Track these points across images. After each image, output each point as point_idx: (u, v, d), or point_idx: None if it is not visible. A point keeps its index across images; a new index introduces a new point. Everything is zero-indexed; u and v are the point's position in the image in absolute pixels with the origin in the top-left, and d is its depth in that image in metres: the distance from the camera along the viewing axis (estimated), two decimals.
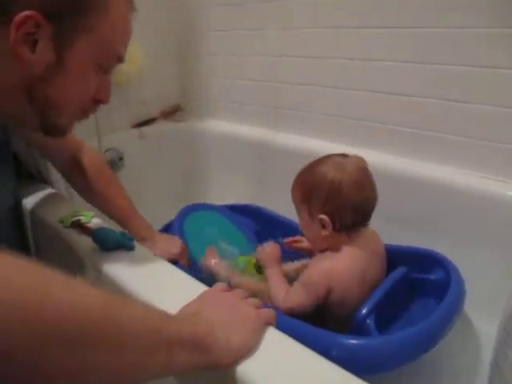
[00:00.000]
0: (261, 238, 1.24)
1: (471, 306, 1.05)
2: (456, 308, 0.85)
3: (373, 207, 0.90)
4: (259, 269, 1.06)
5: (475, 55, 1.09)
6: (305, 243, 1.09)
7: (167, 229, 1.20)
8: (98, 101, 0.70)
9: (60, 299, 0.37)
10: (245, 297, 0.59)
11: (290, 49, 1.50)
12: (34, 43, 0.57)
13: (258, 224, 1.34)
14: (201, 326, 0.49)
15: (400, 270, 0.92)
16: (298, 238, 1.13)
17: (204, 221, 1.25)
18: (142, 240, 0.92)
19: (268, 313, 0.57)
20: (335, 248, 0.89)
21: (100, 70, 0.65)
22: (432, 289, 0.96)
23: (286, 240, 1.13)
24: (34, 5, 0.55)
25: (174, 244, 0.98)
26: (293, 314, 0.87)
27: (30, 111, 0.64)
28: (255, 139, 1.64)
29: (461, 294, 0.88)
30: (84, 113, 0.70)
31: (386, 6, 1.21)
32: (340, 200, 0.86)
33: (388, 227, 0.98)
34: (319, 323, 0.83)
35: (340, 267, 0.86)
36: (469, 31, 1.08)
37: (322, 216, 0.87)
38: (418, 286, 0.97)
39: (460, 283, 0.89)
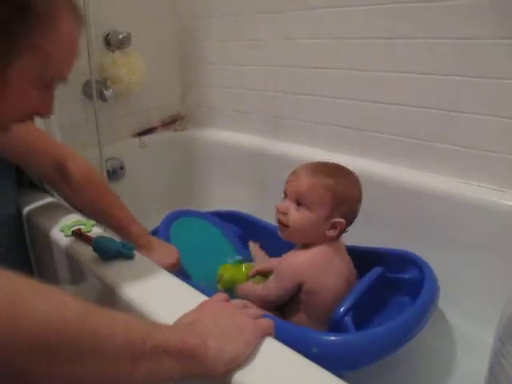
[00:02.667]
0: (245, 242, 1.29)
1: (466, 315, 1.07)
2: (429, 305, 0.89)
3: None
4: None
5: (472, 65, 1.10)
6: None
7: (152, 235, 1.20)
8: (38, 114, 0.68)
9: (35, 310, 0.37)
10: (244, 307, 0.60)
11: (290, 59, 1.51)
12: None
13: (242, 229, 1.36)
14: (192, 335, 0.49)
15: (376, 270, 0.96)
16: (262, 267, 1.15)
17: (189, 227, 1.26)
18: (140, 248, 0.92)
19: (266, 323, 0.57)
20: (314, 245, 0.95)
21: (43, 86, 0.64)
22: (407, 287, 1.01)
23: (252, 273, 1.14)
24: None
25: (170, 253, 0.99)
26: (266, 304, 0.96)
27: None
28: (255, 148, 1.65)
29: (434, 292, 0.92)
30: (18, 121, 0.68)
31: (385, 17, 1.22)
32: (356, 212, 0.97)
33: (380, 235, 1.00)
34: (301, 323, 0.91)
35: (312, 260, 0.93)
36: (467, 42, 1.09)
37: (342, 220, 0.93)
38: (394, 284, 1.02)
39: (433, 281, 0.94)
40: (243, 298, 0.97)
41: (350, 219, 0.95)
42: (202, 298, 0.66)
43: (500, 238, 1.07)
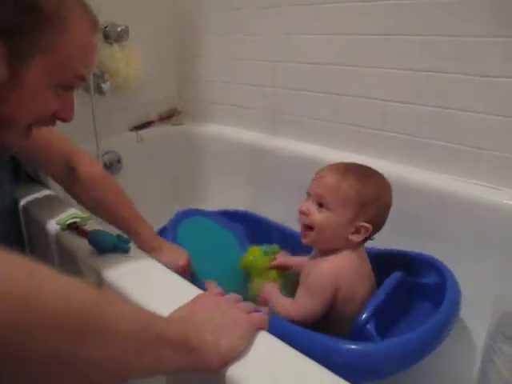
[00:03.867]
0: (252, 242, 1.26)
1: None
2: (454, 312, 0.85)
3: None
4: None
5: (471, 63, 1.10)
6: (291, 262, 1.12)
7: (160, 234, 1.20)
8: (59, 118, 0.70)
9: (48, 290, 0.37)
10: (237, 301, 0.60)
11: (288, 54, 1.51)
12: None
13: (250, 229, 1.35)
14: (190, 328, 0.49)
15: (396, 275, 0.93)
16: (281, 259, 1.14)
17: (197, 227, 1.25)
18: (150, 250, 0.91)
19: (259, 317, 0.57)
20: (340, 250, 0.91)
21: (60, 88, 0.65)
22: (427, 292, 0.96)
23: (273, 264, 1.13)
24: None
25: (180, 255, 0.98)
26: (306, 321, 0.88)
27: None
28: (252, 143, 1.65)
29: (457, 298, 0.88)
30: (38, 125, 0.69)
31: (384, 13, 1.22)
32: (384, 218, 0.93)
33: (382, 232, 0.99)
34: (323, 325, 0.85)
35: (344, 265, 0.89)
36: (464, 39, 1.10)
37: (367, 225, 0.89)
38: (414, 289, 0.98)
39: (456, 286, 0.90)
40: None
41: (377, 225, 0.91)
42: (197, 291, 0.66)
43: (494, 236, 1.08)
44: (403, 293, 0.94)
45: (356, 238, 0.89)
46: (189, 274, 0.99)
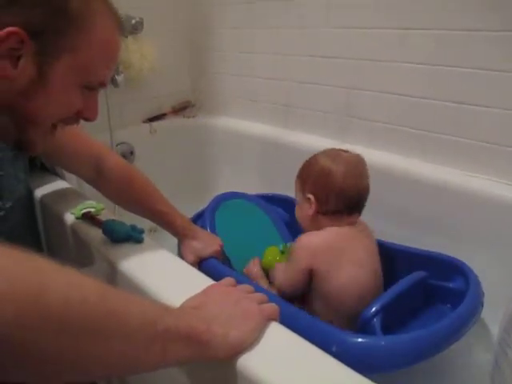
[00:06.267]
0: (290, 229, 1.27)
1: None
2: (467, 320, 0.82)
3: (359, 199, 0.96)
4: None
5: (486, 58, 1.09)
6: None
7: (198, 218, 1.22)
8: (83, 117, 0.71)
9: (55, 289, 0.38)
10: (250, 292, 0.60)
11: (302, 47, 1.50)
12: (17, 59, 0.58)
13: (289, 214, 1.33)
14: (199, 321, 0.49)
15: (417, 274, 0.92)
16: None
17: (236, 209, 1.26)
18: (185, 237, 1.01)
19: (271, 308, 0.57)
20: (324, 228, 0.95)
21: (84, 87, 0.66)
22: (449, 297, 0.95)
23: None
24: (18, 22, 0.56)
25: (213, 241, 1.04)
26: (285, 290, 0.97)
27: (9, 125, 0.65)
28: (265, 137, 1.65)
29: (476, 306, 0.85)
30: (63, 123, 0.71)
31: (397, 7, 1.21)
32: (326, 184, 0.95)
33: (390, 226, 0.99)
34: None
35: (319, 240, 0.93)
36: (480, 34, 1.08)
37: (310, 195, 0.96)
38: (436, 292, 0.96)
39: (477, 295, 0.87)
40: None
41: (324, 197, 0.95)
42: (209, 281, 0.67)
43: (506, 231, 1.06)
44: (421, 294, 0.93)
45: (311, 211, 0.96)
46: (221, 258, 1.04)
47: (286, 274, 0.98)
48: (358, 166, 0.96)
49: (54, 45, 0.60)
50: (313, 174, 0.97)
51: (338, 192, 0.94)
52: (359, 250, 0.93)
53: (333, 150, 1.00)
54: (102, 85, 0.69)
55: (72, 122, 0.72)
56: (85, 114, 0.70)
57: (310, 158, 1.01)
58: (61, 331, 0.37)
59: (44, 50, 0.60)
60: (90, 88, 0.68)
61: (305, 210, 0.98)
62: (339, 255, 0.91)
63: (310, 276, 0.93)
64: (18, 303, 0.35)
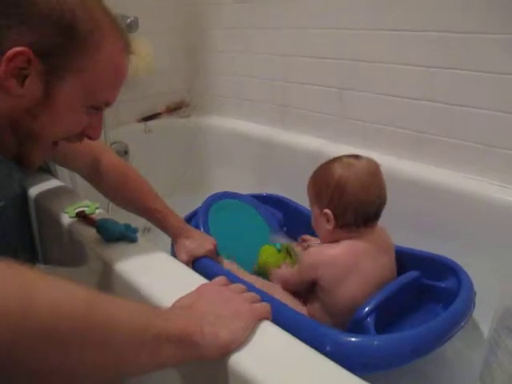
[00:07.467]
0: (284, 227, 1.29)
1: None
2: (459, 319, 0.83)
3: (377, 209, 0.93)
4: (290, 254, 1.14)
5: (481, 60, 1.09)
6: (312, 241, 1.15)
7: (192, 217, 1.22)
8: (86, 136, 0.71)
9: (43, 302, 0.38)
10: (242, 291, 0.61)
11: (298, 48, 1.51)
12: (24, 78, 0.59)
13: (282, 213, 1.36)
14: (190, 322, 0.50)
15: (410, 274, 0.93)
16: (305, 237, 1.19)
17: (229, 209, 1.26)
18: (178, 237, 1.01)
19: (263, 307, 0.57)
20: (337, 241, 0.93)
21: (89, 107, 0.67)
22: (442, 296, 0.95)
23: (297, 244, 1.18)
24: (26, 42, 0.57)
25: (207, 241, 1.03)
26: (286, 283, 1.00)
27: (12, 140, 0.65)
28: (260, 137, 1.65)
29: (468, 306, 0.86)
30: (67, 141, 0.71)
31: (395, 8, 1.22)
32: (344, 198, 0.91)
33: (383, 227, 0.99)
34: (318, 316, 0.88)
35: (328, 255, 0.91)
36: (475, 36, 1.09)
37: (327, 211, 0.92)
38: (428, 291, 0.97)
39: (469, 294, 0.88)
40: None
41: (342, 210, 0.91)
42: (203, 281, 0.67)
43: (500, 233, 1.07)
44: (415, 293, 0.94)
45: (329, 226, 0.93)
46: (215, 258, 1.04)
47: (291, 279, 1.00)
48: (374, 175, 0.92)
49: (61, 65, 0.61)
50: (329, 188, 0.92)
51: (356, 206, 0.90)
52: (368, 267, 0.90)
53: (343, 158, 0.95)
54: (108, 105, 0.70)
55: (75, 140, 0.72)
56: (88, 132, 0.71)
57: (322, 168, 0.97)
58: (50, 345, 0.37)
59: (51, 70, 0.60)
60: (96, 108, 0.68)
61: (323, 225, 0.95)
62: (346, 271, 0.88)
63: (315, 284, 0.93)
64: (10, 319, 0.35)
